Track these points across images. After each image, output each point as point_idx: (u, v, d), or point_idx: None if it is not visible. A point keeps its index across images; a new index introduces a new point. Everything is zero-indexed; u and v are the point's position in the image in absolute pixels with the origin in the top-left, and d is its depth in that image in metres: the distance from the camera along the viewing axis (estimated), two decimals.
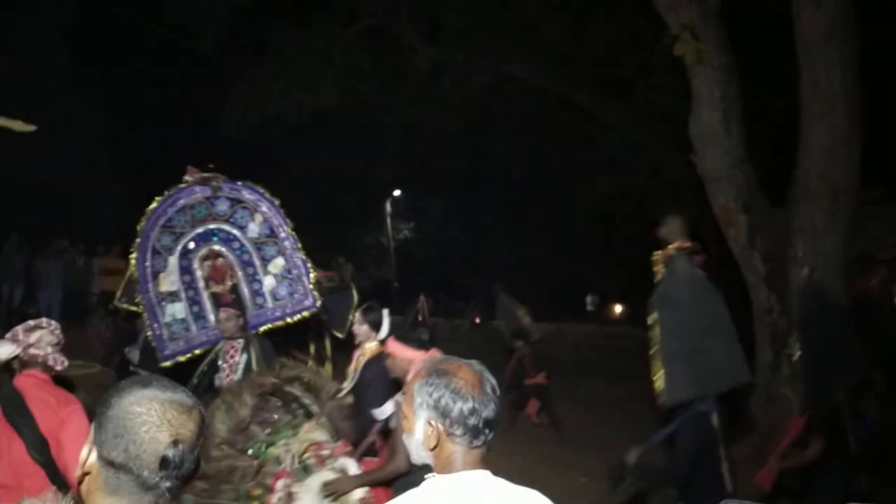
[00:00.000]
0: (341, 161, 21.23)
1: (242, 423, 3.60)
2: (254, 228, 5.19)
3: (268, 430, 3.59)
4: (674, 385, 3.93)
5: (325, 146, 20.07)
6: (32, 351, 2.99)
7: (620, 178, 13.85)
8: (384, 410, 3.88)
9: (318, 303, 5.24)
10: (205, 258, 5.26)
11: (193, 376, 4.76)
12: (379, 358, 3.99)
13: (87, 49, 16.75)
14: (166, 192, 5.24)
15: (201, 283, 5.26)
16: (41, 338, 3.01)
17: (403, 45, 14.12)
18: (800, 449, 4.44)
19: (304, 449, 3.47)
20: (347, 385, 4.19)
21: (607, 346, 15.48)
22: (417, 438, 1.63)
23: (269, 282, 5.17)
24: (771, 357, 7.08)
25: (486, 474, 1.61)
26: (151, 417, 1.22)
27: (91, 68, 16.49)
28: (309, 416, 3.64)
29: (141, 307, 5.28)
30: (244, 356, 4.63)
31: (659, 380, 3.97)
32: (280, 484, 3.40)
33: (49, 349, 3.02)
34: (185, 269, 5.25)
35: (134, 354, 6.57)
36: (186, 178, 5.18)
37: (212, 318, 5.19)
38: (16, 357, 3.00)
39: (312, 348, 6.68)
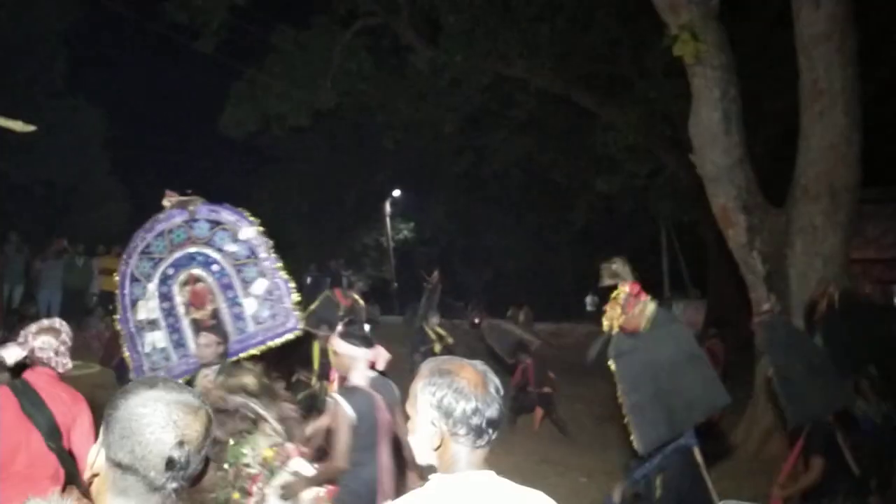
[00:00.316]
0: (341, 161, 21.24)
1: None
2: (232, 247, 5.03)
3: (233, 441, 3.65)
4: (643, 434, 3.79)
5: (325, 146, 20.08)
6: (38, 354, 3.11)
7: (620, 178, 13.86)
8: None
9: (301, 324, 5.07)
10: (184, 283, 5.09)
11: None
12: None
13: (87, 49, 16.78)
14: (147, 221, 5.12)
15: (181, 310, 5.10)
16: (47, 342, 3.12)
17: (403, 45, 14.13)
18: (802, 471, 4.42)
19: (270, 452, 3.60)
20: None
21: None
22: (421, 438, 1.62)
23: (249, 304, 5.00)
24: None
25: (490, 475, 1.60)
26: (156, 418, 1.22)
27: (91, 68, 16.52)
28: (261, 420, 3.70)
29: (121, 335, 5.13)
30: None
31: (630, 431, 3.83)
32: (255, 487, 3.52)
33: (52, 353, 3.13)
34: (165, 296, 5.09)
35: None
36: (164, 202, 5.07)
37: (192, 345, 4.99)
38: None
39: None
